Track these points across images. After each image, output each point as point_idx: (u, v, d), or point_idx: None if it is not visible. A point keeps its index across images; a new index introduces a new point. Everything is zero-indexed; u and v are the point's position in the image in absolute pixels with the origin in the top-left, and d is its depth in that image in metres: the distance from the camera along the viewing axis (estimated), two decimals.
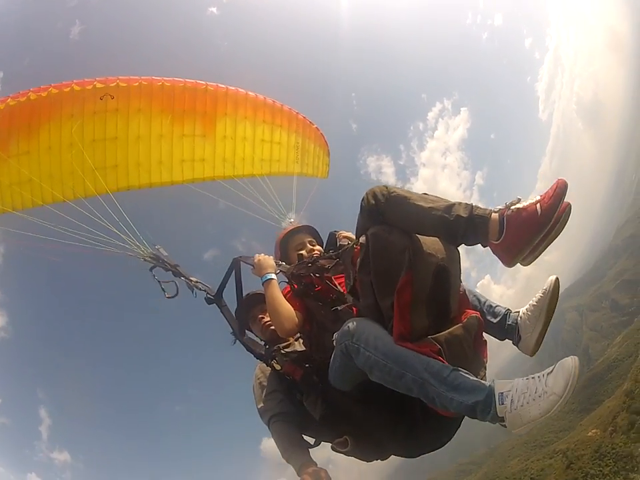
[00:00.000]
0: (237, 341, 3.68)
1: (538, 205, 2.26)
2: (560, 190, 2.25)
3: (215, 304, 3.88)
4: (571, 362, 2.06)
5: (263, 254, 3.66)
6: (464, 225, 2.37)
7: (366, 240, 2.57)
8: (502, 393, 2.11)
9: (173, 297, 4.29)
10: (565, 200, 2.25)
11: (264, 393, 3.35)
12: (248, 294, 3.89)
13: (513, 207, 2.33)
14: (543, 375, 2.11)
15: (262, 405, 3.31)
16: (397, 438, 2.81)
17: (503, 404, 2.08)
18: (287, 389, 3.27)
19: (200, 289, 4.04)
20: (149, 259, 4.49)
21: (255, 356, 3.53)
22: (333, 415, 2.93)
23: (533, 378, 2.13)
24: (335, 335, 2.69)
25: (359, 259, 2.63)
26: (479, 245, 2.44)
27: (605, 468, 45.02)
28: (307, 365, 3.16)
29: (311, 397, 3.03)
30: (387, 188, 2.59)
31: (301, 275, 3.40)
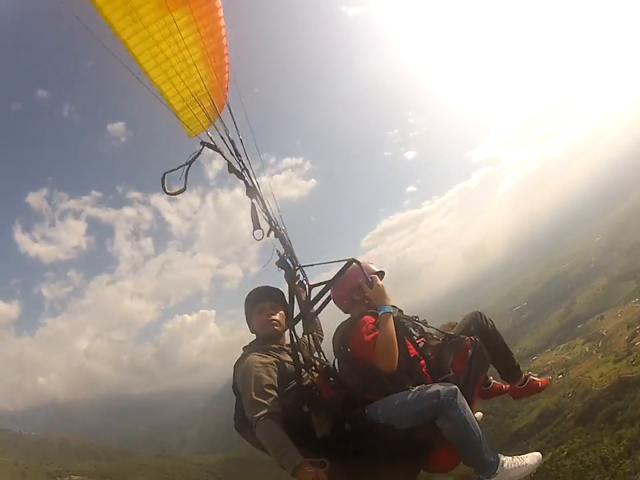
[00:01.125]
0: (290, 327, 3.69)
1: (540, 383, 4.28)
2: (548, 384, 4.59)
3: (288, 274, 3.77)
4: (538, 454, 3.84)
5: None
6: (516, 371, 4.24)
7: (476, 342, 3.81)
8: (503, 460, 3.53)
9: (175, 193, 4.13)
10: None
11: (261, 386, 3.26)
12: (266, 287, 4.06)
13: (532, 376, 4.30)
14: (523, 457, 3.70)
15: (256, 397, 3.20)
16: (395, 475, 3.55)
17: (502, 466, 3.46)
18: (297, 397, 3.45)
19: (287, 243, 3.91)
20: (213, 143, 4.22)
21: (292, 356, 3.61)
22: (335, 439, 3.27)
23: (518, 457, 3.67)
24: (438, 387, 3.38)
25: (470, 351, 3.77)
26: (506, 380, 4.33)
27: None
28: (341, 390, 3.54)
29: (322, 415, 3.33)
30: (493, 323, 4.06)
31: (403, 322, 3.79)
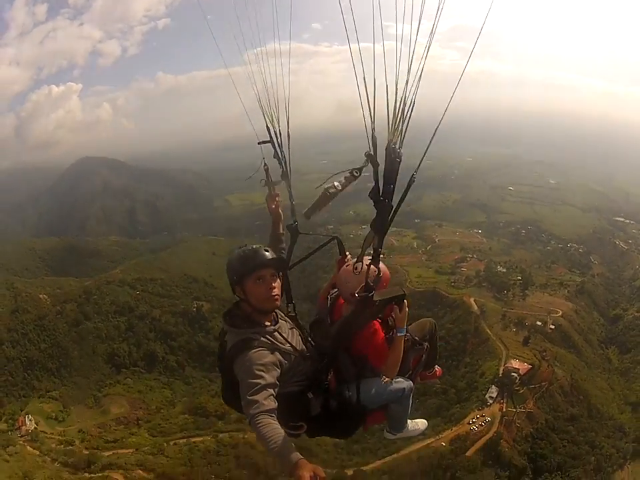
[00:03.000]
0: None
1: (438, 372, 4.94)
2: (440, 373, 5.00)
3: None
4: (425, 421, 4.91)
5: None
6: (435, 364, 4.83)
7: (428, 349, 4.47)
8: (408, 423, 4.57)
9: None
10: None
11: (260, 386, 3.19)
12: (266, 250, 3.62)
13: (436, 367, 4.90)
14: (416, 421, 4.74)
15: (254, 395, 3.14)
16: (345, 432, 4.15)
17: (407, 427, 4.57)
18: (308, 387, 3.65)
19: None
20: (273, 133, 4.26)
21: (336, 343, 3.71)
22: (324, 416, 3.70)
23: (414, 421, 4.69)
24: (404, 385, 4.11)
25: (424, 356, 4.47)
26: (424, 368, 4.61)
27: None
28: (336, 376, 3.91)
29: (320, 398, 3.67)
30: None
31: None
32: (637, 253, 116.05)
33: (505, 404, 65.13)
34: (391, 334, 3.91)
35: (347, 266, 3.96)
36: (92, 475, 57.10)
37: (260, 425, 2.96)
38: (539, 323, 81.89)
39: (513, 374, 67.73)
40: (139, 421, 75.60)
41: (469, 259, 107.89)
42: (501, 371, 69.39)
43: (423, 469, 57.91)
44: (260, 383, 3.17)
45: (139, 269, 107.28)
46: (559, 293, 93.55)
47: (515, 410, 63.90)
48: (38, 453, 62.16)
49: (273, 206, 4.27)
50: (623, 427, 65.55)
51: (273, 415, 3.05)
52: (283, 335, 3.61)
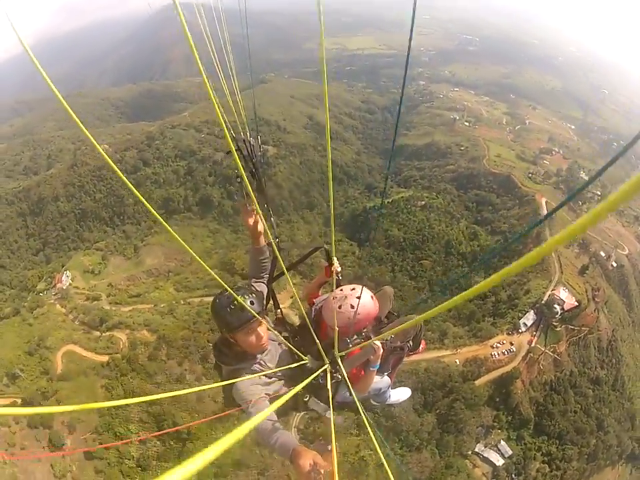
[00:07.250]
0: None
1: (422, 348, 4.88)
2: (424, 348, 4.99)
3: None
4: (409, 390, 5.37)
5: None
6: (419, 346, 4.82)
7: (408, 348, 4.58)
8: (391, 394, 4.95)
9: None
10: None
11: (255, 397, 3.37)
12: (240, 302, 3.28)
13: (421, 344, 4.86)
14: (399, 392, 5.22)
15: (253, 407, 3.31)
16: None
17: (390, 397, 4.94)
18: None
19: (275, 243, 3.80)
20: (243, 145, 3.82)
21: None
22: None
23: (396, 392, 5.12)
24: (382, 385, 4.58)
25: (405, 355, 4.63)
26: (408, 349, 4.54)
27: None
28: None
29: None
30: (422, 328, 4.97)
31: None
32: None
33: (536, 337, 55.17)
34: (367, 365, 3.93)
35: (334, 298, 3.67)
36: (101, 335, 57.17)
37: (260, 427, 3.06)
38: (602, 254, 69.42)
39: (556, 306, 56.86)
40: (169, 273, 73.41)
41: (554, 152, 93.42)
42: (546, 297, 58.35)
43: (424, 384, 50.90)
44: (254, 398, 3.30)
45: (209, 110, 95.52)
46: (632, 228, 79.62)
47: (543, 349, 53.88)
48: (64, 311, 62.18)
49: (251, 222, 3.92)
50: (635, 417, 56.87)
51: (271, 417, 3.14)
52: (268, 363, 3.65)
